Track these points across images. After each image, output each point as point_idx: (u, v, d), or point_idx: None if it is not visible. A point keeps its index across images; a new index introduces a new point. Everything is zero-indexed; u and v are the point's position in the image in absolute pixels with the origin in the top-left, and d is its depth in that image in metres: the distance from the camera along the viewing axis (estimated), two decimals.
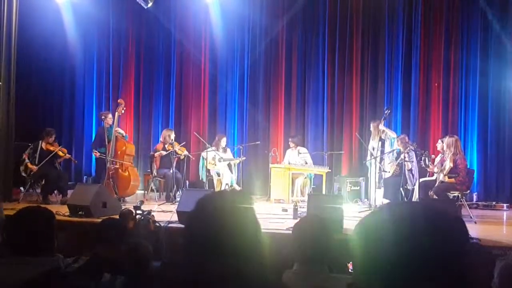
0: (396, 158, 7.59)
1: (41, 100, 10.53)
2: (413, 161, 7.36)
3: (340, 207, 5.21)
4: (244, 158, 8.86)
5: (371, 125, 8.08)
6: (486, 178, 8.60)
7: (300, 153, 8.62)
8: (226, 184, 8.40)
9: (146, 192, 8.42)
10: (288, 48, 9.62)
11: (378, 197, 7.38)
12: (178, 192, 7.93)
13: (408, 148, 7.31)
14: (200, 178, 8.80)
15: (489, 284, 2.20)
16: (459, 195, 6.71)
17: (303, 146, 8.99)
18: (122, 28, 10.31)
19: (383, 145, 7.81)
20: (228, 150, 8.87)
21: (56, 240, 2.33)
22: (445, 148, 6.93)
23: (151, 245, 2.78)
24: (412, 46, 8.98)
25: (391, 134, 7.82)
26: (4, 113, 7.57)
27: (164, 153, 8.19)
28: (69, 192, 7.08)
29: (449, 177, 6.72)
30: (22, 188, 7.93)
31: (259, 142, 9.10)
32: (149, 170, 8.51)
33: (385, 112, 7.80)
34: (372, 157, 7.73)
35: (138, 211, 4.48)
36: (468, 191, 7.08)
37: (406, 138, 7.57)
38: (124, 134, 8.29)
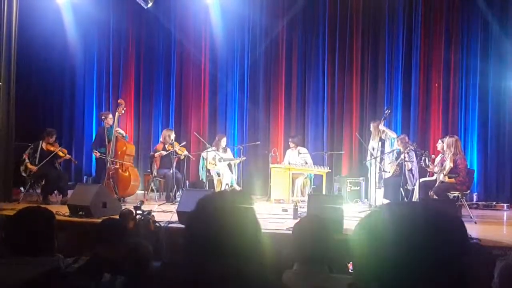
0: (396, 158, 7.59)
1: (41, 100, 10.53)
2: (413, 161, 7.36)
3: (340, 207, 5.21)
4: (244, 158, 8.86)
5: (371, 125, 8.08)
6: (486, 178, 8.60)
7: (300, 153, 8.62)
8: (226, 184, 8.40)
9: (146, 192, 8.42)
10: (288, 48, 9.62)
11: (378, 197, 7.38)
12: (178, 192, 7.93)
13: (408, 148, 7.31)
14: (200, 178, 8.80)
15: (489, 284, 2.20)
16: (459, 195, 6.71)
17: (303, 146, 8.99)
18: (122, 28, 10.32)
19: (383, 145, 7.81)
20: (228, 150, 8.87)
21: (56, 240, 2.33)
22: (445, 148, 6.93)
23: (151, 245, 2.78)
24: (412, 46, 8.98)
25: (391, 134, 7.82)
26: (4, 113, 7.57)
27: (164, 153, 8.18)
28: (69, 192, 7.08)
29: (449, 177, 6.72)
30: (22, 188, 7.93)
31: (259, 142, 9.10)
32: (149, 170, 8.51)
33: (385, 112, 7.80)
34: (372, 157, 7.73)
35: (138, 211, 4.48)
36: (468, 191, 7.08)
37: (406, 138, 7.57)
38: (124, 134, 8.29)
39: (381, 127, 7.77)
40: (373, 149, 7.85)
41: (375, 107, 9.09)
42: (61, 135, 9.63)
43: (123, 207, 5.36)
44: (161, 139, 8.46)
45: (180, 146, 8.33)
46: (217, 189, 8.08)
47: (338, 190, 8.38)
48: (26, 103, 9.25)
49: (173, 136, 8.32)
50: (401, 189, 7.27)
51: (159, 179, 8.36)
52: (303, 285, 2.11)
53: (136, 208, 4.50)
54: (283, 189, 8.17)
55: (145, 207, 4.76)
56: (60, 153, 7.80)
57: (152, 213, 4.68)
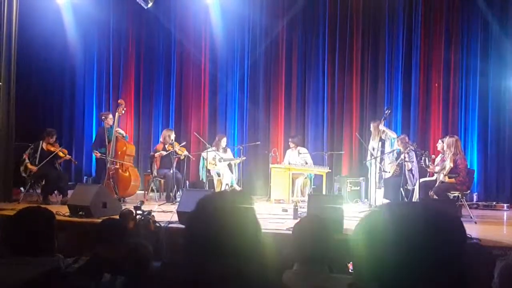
0: (396, 158, 7.59)
1: (41, 100, 10.53)
2: (413, 161, 7.36)
3: (340, 207, 5.21)
4: (244, 158, 8.86)
5: (371, 125, 8.08)
6: (486, 178, 8.60)
7: (300, 153, 8.61)
8: (226, 184, 8.40)
9: (146, 192, 8.42)
10: (288, 48, 9.62)
11: (378, 197, 7.37)
12: (178, 193, 7.93)
13: (408, 148, 7.31)
14: (200, 179, 8.80)
15: (489, 284, 2.20)
16: (459, 195, 6.70)
17: (303, 146, 8.99)
18: (122, 28, 10.32)
19: (383, 145, 7.81)
20: (229, 150, 8.87)
21: (56, 240, 2.33)
22: (445, 148, 6.93)
23: (151, 245, 2.78)
24: (412, 46, 8.98)
25: (391, 134, 7.82)
26: (4, 113, 7.57)
27: (164, 153, 8.18)
28: (69, 192, 7.08)
29: (449, 177, 6.72)
30: (22, 189, 7.93)
31: (259, 142, 9.10)
32: (149, 170, 8.50)
33: (385, 112, 7.80)
34: (372, 157, 7.73)
35: (138, 211, 4.48)
36: (468, 191, 7.08)
37: (406, 138, 7.57)
38: (124, 135, 8.29)
39: (381, 127, 7.77)
40: (373, 149, 7.85)
41: (375, 107, 9.09)
42: (61, 135, 9.63)
43: (123, 207, 5.36)
44: (161, 139, 8.46)
45: (180, 146, 8.33)
46: (217, 189, 8.07)
47: (338, 190, 8.38)
48: (26, 103, 9.26)
49: (173, 136, 8.32)
50: (401, 189, 7.27)
51: (159, 179, 8.36)
52: (303, 285, 2.11)
53: (136, 208, 4.50)
54: (283, 189, 8.17)
55: (145, 207, 4.76)
56: (60, 154, 7.79)
57: (152, 213, 4.68)
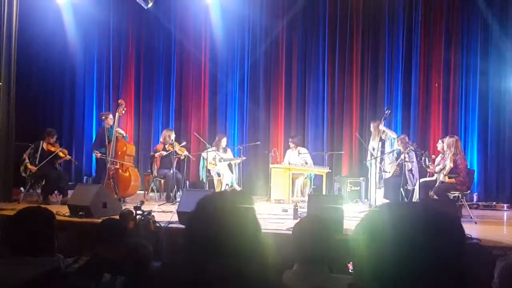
0: (396, 159, 7.59)
1: (41, 100, 10.53)
2: (413, 161, 7.36)
3: (341, 208, 5.21)
4: (245, 158, 8.86)
5: (371, 125, 8.08)
6: (487, 178, 8.60)
7: (300, 153, 8.61)
8: (227, 184, 8.40)
9: (146, 192, 8.41)
10: (288, 48, 9.62)
11: (379, 198, 7.37)
12: (178, 193, 7.93)
13: (408, 148, 7.31)
14: (201, 179, 8.80)
15: (489, 284, 2.20)
16: (460, 195, 6.70)
17: (303, 146, 8.99)
18: (122, 28, 10.32)
19: (383, 146, 7.81)
20: (229, 150, 8.87)
21: (56, 240, 2.33)
22: (445, 148, 6.93)
23: (151, 245, 2.78)
24: (412, 46, 8.98)
25: (391, 134, 7.82)
26: (4, 113, 7.57)
27: (164, 153, 8.18)
28: (69, 192, 7.08)
29: (449, 177, 6.72)
30: (22, 189, 7.93)
31: (259, 142, 9.10)
32: (149, 171, 8.50)
33: (385, 112, 7.80)
34: (372, 157, 7.73)
35: (139, 212, 4.48)
36: (469, 191, 7.08)
37: (406, 138, 7.57)
38: (124, 135, 8.29)
39: (381, 127, 7.77)
40: (373, 149, 7.85)
41: (375, 107, 9.10)
42: (61, 135, 9.63)
43: (123, 207, 5.36)
44: (161, 139, 8.46)
45: (180, 146, 8.33)
46: (217, 189, 8.07)
47: (338, 190, 8.38)
48: (26, 103, 9.25)
49: (173, 136, 8.32)
50: (401, 189, 7.27)
51: (159, 179, 8.36)
52: (303, 285, 2.11)
53: (136, 208, 4.50)
54: (283, 189, 8.17)
55: (145, 207, 4.76)
56: (61, 154, 7.80)
57: (152, 213, 4.68)
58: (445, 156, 6.93)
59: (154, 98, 10.27)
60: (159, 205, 7.22)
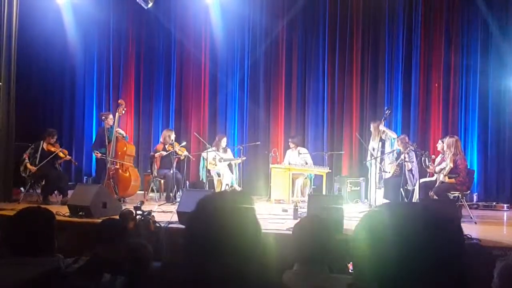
0: (396, 159, 7.59)
1: (41, 100, 10.53)
2: (413, 162, 7.36)
3: (341, 208, 5.21)
4: (245, 158, 8.86)
5: (371, 125, 8.08)
6: (486, 179, 8.60)
7: (301, 154, 8.61)
8: (227, 184, 8.40)
9: (146, 192, 8.41)
10: (288, 48, 9.62)
11: (378, 198, 7.37)
12: (178, 193, 7.93)
13: (408, 148, 7.31)
14: (201, 179, 8.80)
15: (489, 285, 2.20)
16: (459, 195, 6.70)
17: (303, 146, 8.99)
18: (122, 28, 10.32)
19: (383, 146, 7.81)
20: (229, 150, 8.87)
21: (56, 241, 2.33)
22: (445, 148, 6.93)
23: (151, 246, 2.78)
24: (412, 46, 8.98)
25: (391, 134, 7.82)
26: (4, 113, 7.57)
27: (164, 153, 8.18)
28: (69, 192, 7.08)
29: (449, 178, 6.72)
30: (22, 189, 7.93)
31: (259, 143, 9.10)
32: (149, 171, 8.50)
33: (385, 112, 7.80)
34: (372, 157, 7.73)
35: (138, 212, 4.47)
36: (468, 191, 7.08)
37: (406, 138, 7.57)
38: (124, 135, 8.28)
39: (381, 127, 7.77)
40: (373, 149, 7.85)
41: (375, 107, 9.10)
42: (61, 135, 9.63)
43: (123, 208, 5.36)
44: (161, 140, 8.46)
45: (180, 147, 8.33)
46: (217, 190, 8.07)
47: (338, 190, 8.38)
48: (26, 103, 9.25)
49: (173, 136, 8.32)
50: (401, 189, 7.27)
51: (159, 179, 8.36)
52: (303, 285, 2.11)
53: (136, 208, 4.50)
54: (283, 189, 8.16)
55: (145, 208, 4.75)
56: (61, 154, 7.80)
57: (152, 214, 4.68)
58: (445, 156, 6.94)
59: (154, 98, 10.27)
60: (159, 205, 7.22)
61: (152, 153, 8.46)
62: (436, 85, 8.88)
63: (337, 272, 2.40)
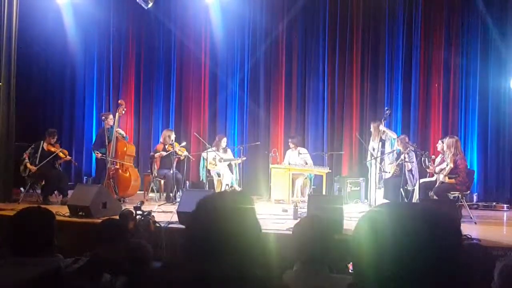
0: (396, 159, 7.59)
1: (41, 100, 10.52)
2: (413, 162, 7.36)
3: (341, 208, 5.21)
4: (245, 158, 8.86)
5: (372, 125, 8.08)
6: (486, 179, 8.61)
7: (301, 154, 8.61)
8: (227, 184, 8.40)
9: (146, 192, 8.41)
10: (288, 48, 9.62)
11: (378, 198, 7.37)
12: (178, 193, 7.93)
13: (408, 148, 7.31)
14: (201, 179, 8.80)
15: (489, 285, 2.20)
16: (459, 195, 6.71)
17: (303, 146, 8.99)
18: (122, 28, 10.32)
19: (383, 146, 7.81)
20: (229, 150, 8.87)
21: (56, 241, 2.33)
22: (445, 148, 6.93)
23: (151, 246, 2.78)
24: (412, 46, 8.99)
25: (391, 134, 7.82)
26: (4, 113, 7.57)
27: (164, 153, 8.18)
28: (69, 192, 7.08)
29: (449, 178, 6.72)
30: (22, 189, 7.92)
31: (259, 143, 9.10)
32: (149, 171, 8.50)
33: (386, 112, 7.81)
34: (373, 157, 7.73)
35: (138, 212, 4.48)
36: (468, 191, 7.08)
37: (406, 138, 7.57)
38: (124, 135, 8.28)
39: (382, 127, 7.77)
40: (374, 149, 7.85)
41: (375, 107, 9.10)
42: (61, 135, 9.62)
43: (123, 208, 5.36)
44: (161, 140, 8.46)
45: (180, 147, 8.33)
46: (217, 190, 8.07)
47: (338, 191, 8.38)
48: (26, 103, 9.25)
49: (173, 136, 8.32)
50: (401, 189, 7.27)
51: (159, 179, 8.36)
52: (303, 285, 2.11)
53: (136, 208, 4.50)
54: (283, 190, 8.16)
55: (145, 208, 4.76)
56: (61, 154, 7.80)
57: (152, 214, 4.68)
58: (445, 156, 6.94)
59: (154, 98, 10.27)
60: (159, 206, 7.22)
61: (152, 153, 8.46)
62: (436, 85, 8.89)
63: (337, 272, 2.41)
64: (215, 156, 8.49)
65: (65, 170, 9.06)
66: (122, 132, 8.25)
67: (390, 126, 8.42)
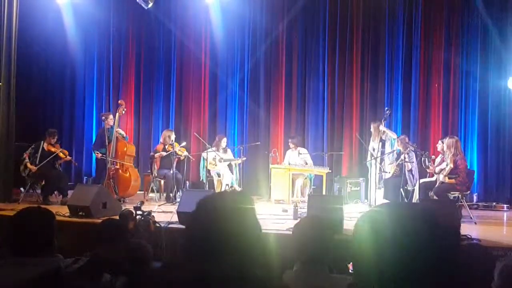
0: (396, 159, 7.59)
1: (41, 100, 10.52)
2: (413, 162, 7.36)
3: (341, 208, 5.21)
4: (245, 158, 8.86)
5: (372, 126, 8.08)
6: (486, 179, 8.60)
7: (300, 154, 8.61)
8: (227, 184, 8.40)
9: (146, 192, 8.41)
10: (288, 48, 9.63)
11: (378, 198, 7.37)
12: (178, 193, 7.93)
13: (408, 148, 7.32)
14: (201, 179, 8.79)
15: (489, 285, 2.20)
16: (459, 195, 6.71)
17: (303, 146, 8.98)
18: (122, 29, 10.32)
19: (383, 146, 7.81)
20: (229, 150, 8.87)
21: (56, 241, 2.33)
22: (445, 148, 6.93)
23: (151, 246, 2.78)
24: (412, 46, 8.99)
25: (391, 134, 7.82)
26: (4, 113, 7.57)
27: (164, 154, 8.18)
28: (69, 192, 7.08)
29: (449, 178, 6.72)
30: (22, 189, 7.92)
31: (259, 143, 9.10)
32: (149, 171, 8.50)
33: (386, 112, 7.81)
34: (373, 157, 7.73)
35: (138, 212, 4.47)
36: (468, 191, 7.08)
37: (406, 138, 7.58)
38: (124, 135, 8.28)
39: (382, 127, 7.77)
40: (374, 149, 7.85)
41: (375, 107, 9.10)
42: (61, 135, 9.61)
43: (123, 208, 5.36)
44: (161, 140, 8.46)
45: (180, 147, 8.33)
46: (217, 190, 8.07)
47: (338, 191, 8.37)
48: (26, 103, 9.24)
49: (173, 136, 8.32)
50: (401, 189, 7.27)
51: (159, 179, 8.36)
52: (303, 285, 2.11)
53: (136, 208, 4.50)
54: (283, 190, 8.16)
55: (145, 208, 4.75)
56: (61, 155, 7.80)
57: (152, 214, 4.68)
58: (444, 156, 6.94)
59: (154, 98, 10.27)
60: (159, 206, 7.22)
61: (152, 153, 8.46)
62: (436, 85, 8.89)
63: (337, 272, 2.41)
64: (215, 156, 8.49)
65: (65, 170, 9.06)
66: (122, 132, 8.25)
67: (390, 126, 8.42)
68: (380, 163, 7.73)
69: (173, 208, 6.28)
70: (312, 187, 8.67)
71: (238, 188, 8.41)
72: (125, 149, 7.91)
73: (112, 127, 7.97)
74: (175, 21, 10.00)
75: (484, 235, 5.16)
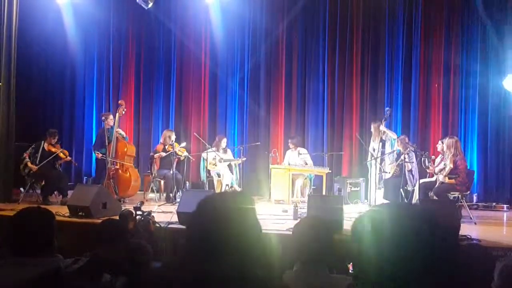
0: (396, 159, 7.59)
1: (41, 100, 10.51)
2: (413, 162, 7.36)
3: (340, 208, 5.21)
4: (245, 158, 8.86)
5: (372, 126, 8.08)
6: (486, 179, 8.60)
7: (300, 154, 8.61)
8: (227, 185, 8.40)
9: (146, 193, 8.41)
10: (288, 48, 9.62)
11: (378, 198, 7.37)
12: (178, 193, 7.93)
13: (408, 149, 7.31)
14: (201, 179, 8.79)
15: (489, 285, 2.20)
16: (459, 196, 6.71)
17: (303, 147, 8.98)
18: (122, 29, 10.32)
19: (383, 146, 7.81)
20: (229, 150, 8.87)
21: (56, 241, 2.33)
22: (445, 149, 6.93)
23: (151, 246, 2.78)
24: (412, 46, 8.99)
25: (391, 135, 7.82)
26: (4, 113, 7.57)
27: (164, 154, 8.18)
28: (69, 192, 7.08)
29: (449, 178, 6.72)
30: (22, 189, 7.92)
31: (259, 143, 9.09)
32: (149, 171, 8.50)
33: (386, 112, 7.81)
34: (373, 158, 7.73)
35: (138, 212, 4.47)
36: (468, 192, 7.08)
37: (406, 138, 7.58)
38: (124, 135, 8.28)
39: (382, 128, 7.77)
40: (374, 150, 7.85)
41: (375, 107, 9.10)
42: (61, 136, 9.59)
43: (123, 208, 5.36)
44: (161, 140, 8.46)
45: (180, 147, 8.33)
46: (217, 190, 8.07)
47: (338, 191, 8.37)
48: (26, 103, 9.24)
49: (173, 137, 8.31)
50: (401, 190, 7.27)
51: (159, 179, 8.36)
52: (303, 285, 2.11)
53: (136, 208, 4.49)
54: (283, 190, 8.16)
55: (145, 208, 4.75)
56: (61, 155, 7.80)
57: (152, 214, 4.68)
58: (444, 157, 6.94)
59: (154, 98, 10.26)
60: (159, 206, 7.22)
61: (152, 154, 8.46)
62: (436, 85, 8.88)
63: (337, 272, 2.41)
64: (215, 156, 8.49)
65: (65, 170, 9.06)
66: (122, 133, 8.24)
67: (390, 126, 8.42)
68: (380, 163, 7.73)
69: (173, 208, 6.28)
70: (312, 187, 8.66)
71: (238, 188, 8.41)
72: (125, 149, 7.91)
73: (112, 127, 7.97)
74: (175, 21, 10.00)
75: (484, 235, 5.16)
